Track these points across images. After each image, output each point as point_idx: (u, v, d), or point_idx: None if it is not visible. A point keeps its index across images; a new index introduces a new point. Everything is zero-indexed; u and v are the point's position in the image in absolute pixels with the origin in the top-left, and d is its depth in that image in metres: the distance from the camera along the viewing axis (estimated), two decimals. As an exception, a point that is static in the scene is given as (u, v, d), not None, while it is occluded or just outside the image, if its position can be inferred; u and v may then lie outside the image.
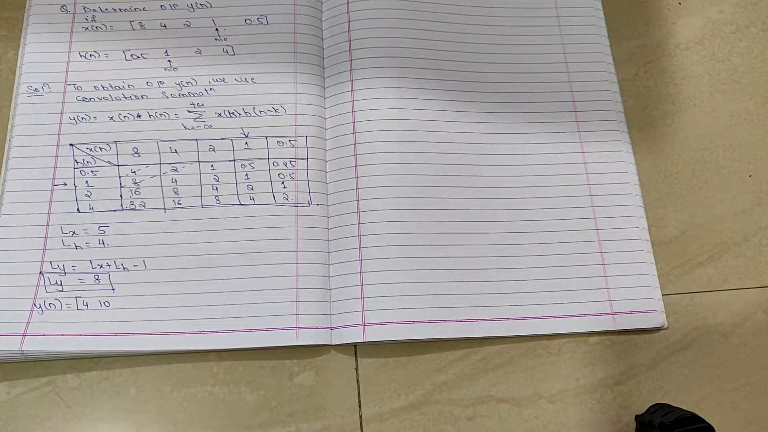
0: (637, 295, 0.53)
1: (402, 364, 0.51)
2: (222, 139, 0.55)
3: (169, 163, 0.55)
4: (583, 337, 0.52)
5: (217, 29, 0.59)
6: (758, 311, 0.53)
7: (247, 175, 0.54)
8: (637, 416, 0.49)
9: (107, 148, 0.55)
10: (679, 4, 0.63)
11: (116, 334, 0.50)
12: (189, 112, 0.56)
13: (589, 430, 0.50)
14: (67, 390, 0.50)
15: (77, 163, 0.54)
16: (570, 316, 0.52)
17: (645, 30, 0.62)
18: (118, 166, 0.54)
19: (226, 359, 0.51)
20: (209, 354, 0.51)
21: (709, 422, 0.45)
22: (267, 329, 0.50)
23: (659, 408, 0.48)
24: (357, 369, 0.51)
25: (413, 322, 0.51)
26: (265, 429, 0.49)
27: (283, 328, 0.50)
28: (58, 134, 0.55)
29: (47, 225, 0.53)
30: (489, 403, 0.50)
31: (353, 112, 0.56)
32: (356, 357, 0.51)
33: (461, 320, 0.51)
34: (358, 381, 0.51)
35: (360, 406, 0.50)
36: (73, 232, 0.52)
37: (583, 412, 0.50)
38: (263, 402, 0.50)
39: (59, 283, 0.51)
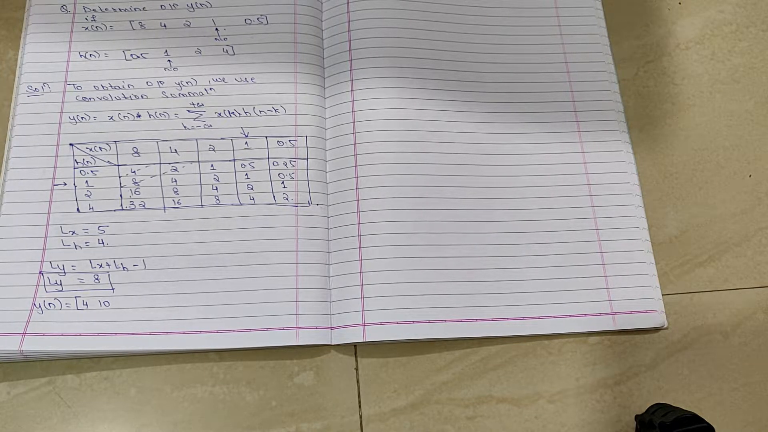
0: (637, 295, 0.53)
1: (402, 364, 0.51)
2: (222, 138, 0.55)
3: (169, 163, 0.55)
4: (583, 337, 0.52)
5: (217, 29, 0.59)
6: (758, 311, 0.53)
7: (247, 174, 0.54)
8: (637, 416, 0.49)
9: (107, 147, 0.55)
10: (679, 4, 0.63)
11: (116, 334, 0.50)
12: (189, 111, 0.56)
13: (589, 430, 0.50)
14: (67, 390, 0.50)
15: (77, 162, 0.54)
16: (570, 316, 0.52)
17: (645, 30, 0.62)
18: (118, 165, 0.54)
19: (226, 359, 0.51)
20: (209, 354, 0.51)
21: (709, 422, 0.45)
22: (267, 329, 0.50)
23: (659, 408, 0.48)
24: (357, 369, 0.51)
25: (413, 322, 0.51)
26: (265, 429, 0.49)
27: (282, 328, 0.50)
28: (58, 134, 0.55)
29: (47, 225, 0.53)
30: (489, 403, 0.50)
31: (353, 112, 0.56)
32: (356, 357, 0.51)
33: (461, 320, 0.51)
34: (358, 381, 0.51)
35: (360, 406, 0.50)
36: (73, 232, 0.52)
37: (583, 412, 0.50)
38: (263, 402, 0.50)
39: (59, 283, 0.51)
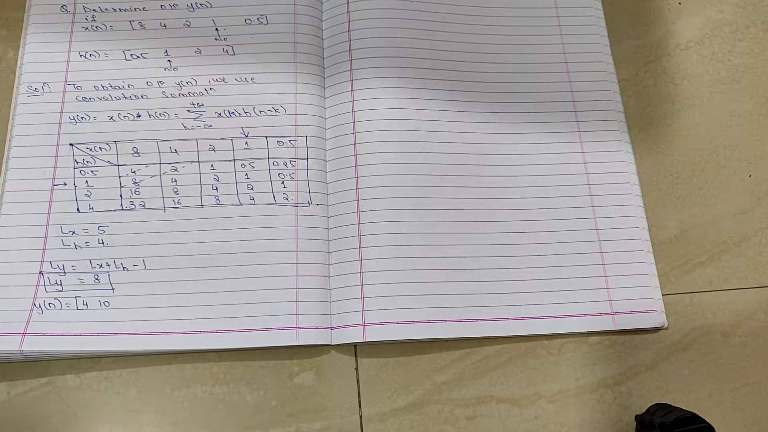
0: (637, 295, 0.53)
1: (402, 364, 0.51)
2: (222, 138, 0.55)
3: (169, 163, 0.54)
4: (583, 337, 0.52)
5: (217, 29, 0.59)
6: (758, 311, 0.53)
7: (247, 174, 0.54)
8: (637, 416, 0.49)
9: (107, 147, 0.55)
10: (679, 3, 0.63)
11: (116, 334, 0.50)
12: (189, 111, 0.56)
13: (589, 430, 0.50)
14: (67, 390, 0.50)
15: (77, 162, 0.54)
16: (570, 316, 0.52)
17: (645, 30, 0.62)
18: (118, 165, 0.54)
19: (226, 359, 0.51)
20: (209, 354, 0.51)
21: (709, 422, 0.45)
22: (267, 329, 0.50)
23: (659, 408, 0.48)
24: (357, 369, 0.51)
25: (413, 322, 0.51)
26: (265, 429, 0.49)
27: (282, 328, 0.50)
28: (58, 134, 0.55)
29: (47, 225, 0.52)
30: (489, 403, 0.50)
31: (353, 112, 0.56)
32: (356, 357, 0.51)
33: (461, 320, 0.51)
34: (358, 381, 0.51)
35: (360, 406, 0.50)
36: (73, 232, 0.52)
37: (583, 412, 0.50)
38: (263, 402, 0.50)
39: (59, 283, 0.51)
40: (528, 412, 0.50)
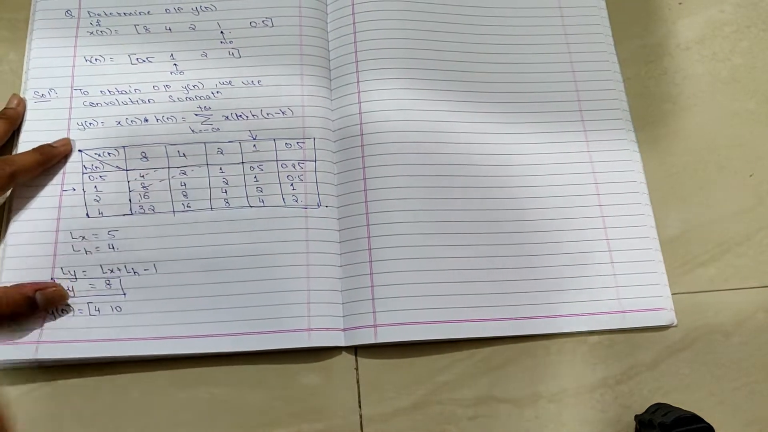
0: (646, 293, 0.53)
1: (402, 364, 0.51)
2: (230, 141, 0.55)
3: (178, 167, 0.54)
4: (583, 336, 0.52)
5: (222, 32, 0.58)
6: (759, 311, 0.53)
7: (255, 177, 0.54)
8: (637, 416, 0.50)
9: (115, 153, 0.55)
10: (680, 3, 0.63)
11: (129, 339, 0.50)
12: (196, 115, 0.56)
13: (589, 430, 0.50)
14: (67, 390, 0.50)
15: (86, 168, 0.54)
16: (579, 314, 0.52)
17: (645, 30, 0.62)
18: (127, 170, 0.54)
19: (230, 360, 0.51)
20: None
21: (709, 422, 0.46)
22: (278, 331, 0.50)
23: (659, 408, 0.48)
24: (357, 369, 0.51)
25: (425, 322, 0.51)
26: (266, 429, 0.49)
27: (294, 330, 0.50)
28: None
29: (57, 231, 0.52)
30: (490, 403, 0.51)
31: (360, 113, 0.56)
32: (356, 357, 0.51)
33: (471, 320, 0.51)
34: (358, 381, 0.51)
35: (360, 407, 0.50)
36: (83, 237, 0.52)
37: (583, 412, 0.51)
38: (266, 402, 0.50)
39: (71, 289, 0.51)
40: (528, 412, 0.50)
